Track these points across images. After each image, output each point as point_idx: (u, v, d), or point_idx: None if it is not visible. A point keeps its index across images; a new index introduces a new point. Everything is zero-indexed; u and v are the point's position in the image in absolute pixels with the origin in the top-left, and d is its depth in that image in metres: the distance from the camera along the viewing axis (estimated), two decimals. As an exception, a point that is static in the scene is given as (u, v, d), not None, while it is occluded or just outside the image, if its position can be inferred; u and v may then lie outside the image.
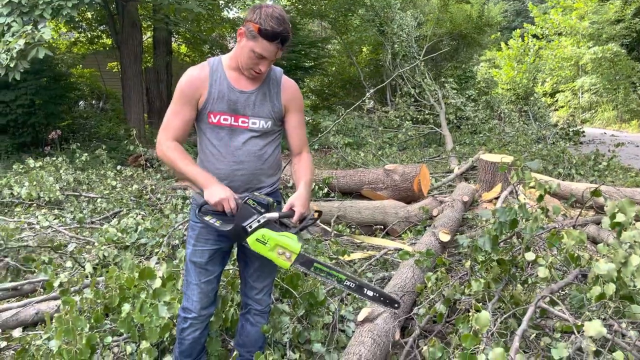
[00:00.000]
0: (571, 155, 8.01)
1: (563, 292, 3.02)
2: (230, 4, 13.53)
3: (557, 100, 24.17)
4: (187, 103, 2.13)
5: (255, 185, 2.23)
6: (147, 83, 13.86)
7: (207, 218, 2.12)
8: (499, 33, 22.70)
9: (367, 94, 11.27)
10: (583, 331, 1.71)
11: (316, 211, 2.25)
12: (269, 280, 2.45)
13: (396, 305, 2.27)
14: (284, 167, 5.13)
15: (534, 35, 24.70)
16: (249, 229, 2.03)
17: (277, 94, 2.24)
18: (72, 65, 14.94)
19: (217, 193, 2.04)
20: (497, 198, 5.56)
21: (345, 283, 2.17)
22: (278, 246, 2.03)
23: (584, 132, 11.11)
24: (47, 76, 11.81)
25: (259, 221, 2.03)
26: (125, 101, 12.52)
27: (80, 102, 15.18)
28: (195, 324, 2.32)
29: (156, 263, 3.39)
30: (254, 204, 2.05)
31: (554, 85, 24.48)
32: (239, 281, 2.55)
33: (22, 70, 7.53)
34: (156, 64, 14.14)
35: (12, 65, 7.35)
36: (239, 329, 2.54)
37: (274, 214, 2.05)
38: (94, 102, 16.01)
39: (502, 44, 25.10)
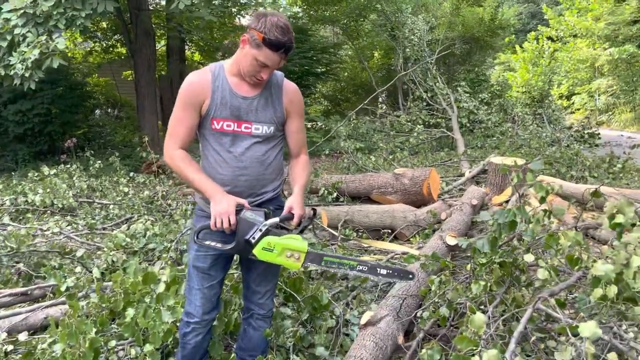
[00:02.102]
0: (585, 157, 7.91)
1: (572, 297, 2.98)
2: (242, 12, 13.64)
3: (573, 103, 23.88)
4: (190, 109, 2.14)
5: (258, 190, 2.24)
6: (161, 91, 14.02)
7: (207, 242, 2.13)
8: (513, 36, 22.49)
9: (380, 99, 11.26)
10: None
11: (312, 209, 2.26)
12: (271, 284, 2.46)
13: (411, 276, 2.23)
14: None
15: (549, 38, 24.47)
16: (253, 240, 2.03)
17: (279, 98, 2.25)
18: (88, 74, 15.18)
19: (222, 205, 2.04)
20: (507, 201, 5.51)
21: (358, 268, 2.17)
22: (286, 250, 2.04)
23: (599, 134, 10.93)
24: (63, 85, 12.02)
25: (261, 230, 2.03)
26: (140, 109, 12.66)
27: (96, 111, 15.40)
28: (198, 329, 2.33)
29: (161, 268, 3.42)
30: (252, 216, 2.06)
31: (570, 88, 24.19)
32: (242, 285, 2.56)
33: (36, 80, 7.67)
34: (170, 72, 14.30)
35: (27, 75, 7.50)
36: (241, 333, 2.54)
37: (275, 220, 2.06)
38: (109, 110, 16.23)
39: (517, 47, 24.90)
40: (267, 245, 2.02)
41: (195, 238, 2.15)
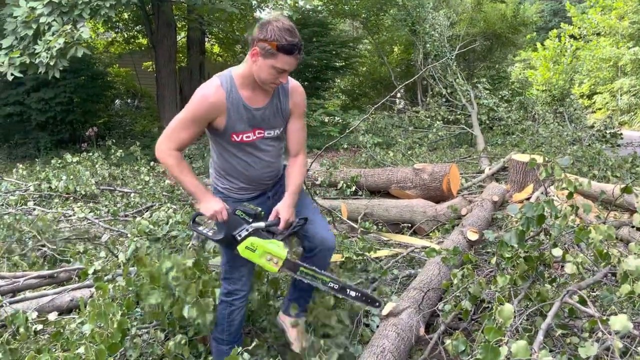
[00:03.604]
0: (607, 157, 7.81)
1: (594, 294, 2.96)
2: (262, 4, 13.68)
3: (594, 102, 23.54)
4: (199, 123, 2.24)
5: (277, 176, 2.48)
6: (180, 82, 14.12)
7: (200, 228, 2.31)
8: (534, 33, 22.25)
9: (398, 94, 11.22)
10: (609, 327, 1.69)
11: (302, 218, 2.34)
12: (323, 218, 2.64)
13: (377, 304, 2.37)
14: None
15: (572, 36, 24.11)
16: (239, 238, 2.20)
17: (286, 101, 2.38)
18: (109, 64, 15.36)
19: (211, 206, 2.22)
20: (528, 199, 5.47)
21: (329, 285, 2.31)
22: (266, 253, 2.19)
23: (621, 134, 10.77)
24: (85, 75, 12.19)
25: (247, 230, 2.20)
26: (160, 100, 12.79)
27: (116, 101, 15.58)
28: (242, 304, 2.47)
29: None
30: (242, 215, 2.22)
31: (592, 87, 23.84)
32: None
33: (61, 69, 7.79)
34: (190, 63, 14.39)
35: (52, 63, 7.61)
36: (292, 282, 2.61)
37: (261, 224, 2.22)
38: (129, 100, 16.41)
39: (538, 45, 24.60)
40: (250, 245, 2.19)
41: (192, 223, 2.34)
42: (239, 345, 2.35)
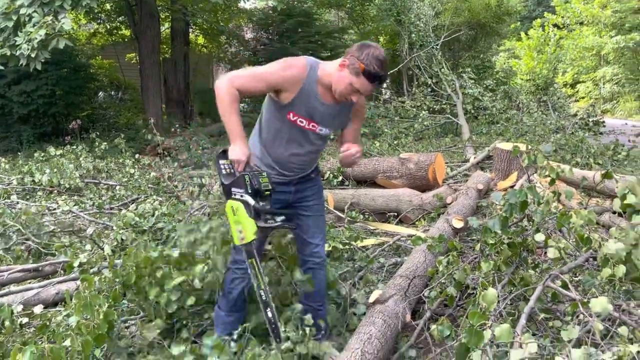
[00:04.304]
0: (590, 145, 7.91)
1: (577, 279, 3.02)
2: (247, -5, 13.63)
3: (577, 91, 23.79)
4: (269, 85, 2.29)
5: (304, 171, 2.53)
6: (164, 74, 13.97)
7: (221, 161, 2.36)
8: (519, 23, 22.34)
9: (384, 85, 11.20)
10: (590, 310, 1.72)
11: (287, 220, 2.39)
12: (322, 234, 2.70)
13: (278, 340, 2.37)
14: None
15: (555, 25, 24.29)
16: (233, 196, 2.28)
17: (350, 110, 2.48)
18: (92, 56, 15.15)
19: (237, 152, 2.27)
20: (512, 187, 5.53)
21: (259, 291, 2.34)
22: (240, 224, 2.24)
23: (604, 122, 10.92)
24: (68, 67, 12.02)
25: (241, 195, 2.26)
26: (144, 92, 12.65)
27: (100, 93, 15.38)
28: (244, 275, 2.47)
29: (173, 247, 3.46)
30: (246, 181, 2.26)
31: (575, 76, 24.08)
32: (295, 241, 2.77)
33: (42, 61, 7.65)
34: (174, 54, 14.24)
35: (33, 55, 7.48)
36: (300, 287, 2.69)
37: (251, 201, 2.25)
38: (112, 92, 16.21)
39: (522, 34, 24.74)
40: (235, 208, 2.25)
41: (221, 152, 2.38)
42: (240, 318, 2.50)
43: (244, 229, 2.24)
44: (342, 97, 2.30)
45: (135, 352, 2.51)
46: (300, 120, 2.34)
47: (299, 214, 2.57)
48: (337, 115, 2.43)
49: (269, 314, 2.39)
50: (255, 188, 2.25)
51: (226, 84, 2.25)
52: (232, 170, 2.33)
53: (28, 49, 7.40)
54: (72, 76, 12.10)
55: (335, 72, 2.27)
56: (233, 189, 2.29)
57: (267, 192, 2.29)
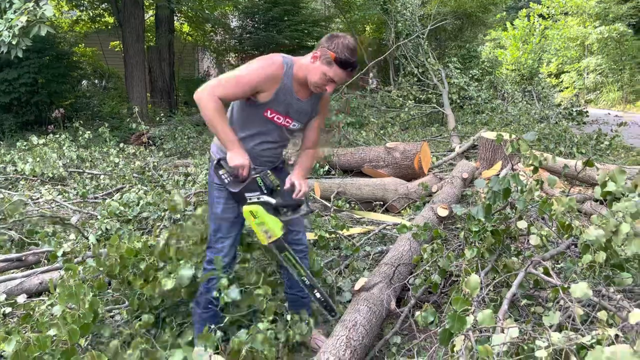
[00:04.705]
0: (573, 134, 8.01)
1: (559, 266, 3.06)
2: (232, -18, 13.47)
3: (562, 81, 23.98)
4: (253, 88, 2.30)
5: (273, 163, 2.57)
6: (149, 62, 13.81)
7: (221, 172, 2.37)
8: (504, 12, 22.38)
9: (371, 74, 11.20)
10: (570, 295, 1.75)
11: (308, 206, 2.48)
12: (303, 221, 2.76)
13: (334, 314, 2.49)
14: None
15: (540, 15, 24.38)
16: (249, 200, 2.32)
17: (317, 103, 2.53)
18: (74, 44, 14.88)
19: (237, 158, 2.30)
20: (497, 175, 5.58)
21: (302, 278, 2.43)
22: (264, 224, 2.30)
23: (587, 112, 11.04)
24: (50, 55, 11.79)
25: (258, 198, 2.31)
26: (128, 80, 12.50)
27: (83, 81, 15.15)
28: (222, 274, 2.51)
29: (157, 236, 3.44)
30: (260, 183, 2.32)
31: (559, 66, 24.27)
32: None
33: (24, 48, 7.51)
34: (158, 43, 14.06)
35: (14, 42, 7.34)
36: (285, 274, 2.73)
37: (272, 200, 2.32)
38: (96, 81, 15.98)
39: (508, 24, 24.81)
40: (254, 212, 2.29)
41: (216, 164, 2.39)
42: (217, 314, 2.52)
43: (270, 228, 2.30)
44: (317, 88, 2.34)
45: (121, 342, 2.50)
46: (277, 117, 2.39)
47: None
48: (308, 110, 2.49)
49: (318, 295, 2.49)
50: (269, 187, 2.32)
51: (207, 95, 2.24)
52: (237, 177, 2.33)
53: (9, 36, 7.26)
54: (54, 64, 11.89)
55: (308, 65, 2.31)
56: (246, 194, 2.32)
57: (278, 187, 2.37)
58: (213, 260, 2.51)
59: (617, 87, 20.39)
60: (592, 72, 21.85)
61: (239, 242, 2.61)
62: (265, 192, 2.32)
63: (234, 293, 2.40)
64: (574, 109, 10.91)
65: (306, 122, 2.54)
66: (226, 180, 2.36)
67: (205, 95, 2.24)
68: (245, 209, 2.31)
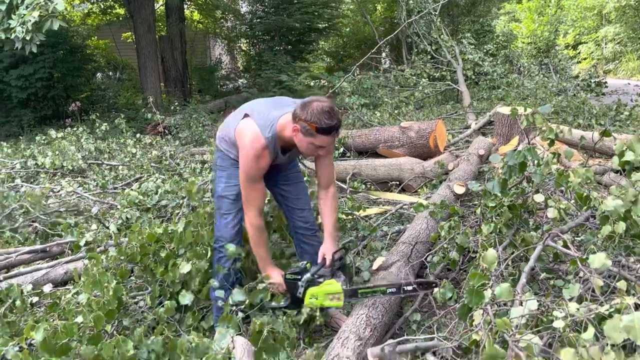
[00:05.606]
0: (592, 106, 7.86)
1: (579, 239, 3.04)
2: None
3: (579, 52, 23.46)
4: (262, 177, 2.49)
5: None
6: (161, 52, 13.85)
7: (273, 304, 2.56)
8: (518, -16, 21.96)
9: (384, 53, 11.06)
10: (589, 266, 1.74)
11: (343, 248, 2.68)
12: (306, 197, 2.85)
13: (434, 284, 2.47)
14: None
15: (555, -15, 23.82)
16: (301, 296, 2.46)
17: None
18: (87, 37, 14.99)
19: (272, 279, 2.54)
20: (514, 151, 5.52)
21: (388, 292, 2.45)
22: (327, 295, 2.41)
23: (606, 82, 10.81)
24: (64, 49, 11.91)
25: (302, 286, 2.46)
26: (141, 71, 12.58)
27: (98, 74, 15.28)
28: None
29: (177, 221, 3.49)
30: (292, 278, 2.50)
31: (577, 37, 23.71)
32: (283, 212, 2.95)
33: (38, 43, 7.60)
34: (170, 32, 14.09)
35: (28, 38, 7.42)
36: (299, 252, 2.90)
37: (309, 276, 2.47)
38: (110, 73, 16.09)
39: (522, -4, 24.29)
40: (312, 296, 2.42)
41: (267, 303, 2.58)
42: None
43: (331, 293, 2.40)
44: (311, 154, 2.45)
45: (145, 328, 2.56)
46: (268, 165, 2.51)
47: (280, 185, 2.78)
48: (293, 156, 2.63)
49: (408, 287, 2.51)
50: (299, 271, 2.49)
51: (254, 222, 2.48)
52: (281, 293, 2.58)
53: (23, 32, 7.33)
54: (68, 58, 12.01)
55: (293, 135, 2.34)
56: (296, 294, 2.47)
57: (308, 264, 2.52)
58: (218, 239, 2.64)
59: (636, 56, 19.87)
60: (611, 42, 21.31)
61: (242, 220, 2.66)
62: (300, 278, 2.47)
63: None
64: (592, 80, 10.70)
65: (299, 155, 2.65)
66: (281, 305, 2.56)
67: (252, 224, 2.49)
68: (306, 302, 2.43)
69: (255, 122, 2.41)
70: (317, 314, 2.41)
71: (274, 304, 2.59)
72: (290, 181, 2.80)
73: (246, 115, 2.48)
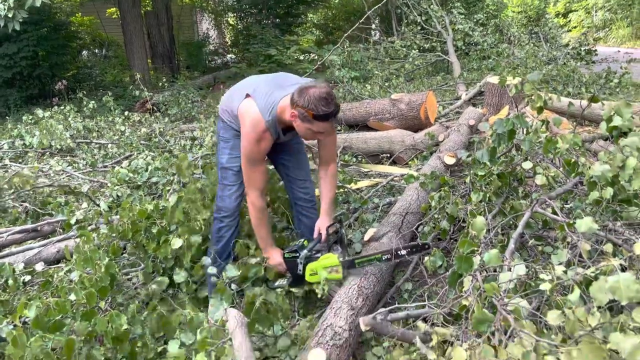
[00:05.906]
0: (581, 74, 7.85)
1: (568, 207, 3.07)
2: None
3: (570, 21, 23.32)
4: (263, 159, 2.52)
5: None
6: (148, 27, 13.61)
7: (276, 284, 2.65)
8: (509, -48, 21.64)
9: (373, 25, 10.93)
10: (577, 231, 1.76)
11: (337, 222, 2.66)
12: (306, 168, 2.88)
13: (427, 246, 2.47)
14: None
15: (546, -48, 23.52)
16: (301, 273, 2.50)
17: None
18: (71, 13, 14.71)
19: (274, 259, 2.61)
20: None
21: (384, 258, 2.45)
22: (325, 269, 2.42)
23: (596, 50, 10.77)
24: (47, 26, 11.69)
25: (301, 263, 2.50)
26: (128, 47, 12.39)
27: (83, 52, 15.04)
28: (231, 222, 2.69)
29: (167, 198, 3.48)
30: (290, 256, 2.54)
31: (567, 5, 23.55)
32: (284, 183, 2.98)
33: (20, 20, 7.46)
34: (155, 7, 13.84)
35: (10, 15, 7.28)
36: (297, 224, 2.93)
37: (306, 252, 2.51)
38: (96, 50, 15.84)
39: (512, -36, 24.00)
40: (311, 272, 2.46)
41: (270, 284, 2.67)
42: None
43: (330, 265, 2.41)
44: (311, 139, 2.48)
45: (139, 305, 2.57)
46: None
47: (281, 155, 2.80)
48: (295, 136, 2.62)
49: (404, 252, 2.51)
50: (296, 248, 2.53)
51: (256, 203, 2.52)
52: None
53: (4, 9, 7.19)
54: (52, 35, 11.79)
55: (292, 120, 2.34)
56: (297, 272, 2.51)
57: (304, 241, 2.58)
58: (220, 208, 2.66)
59: (626, 23, 19.79)
60: (601, 9, 21.19)
61: (244, 193, 2.68)
62: (298, 255, 2.51)
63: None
64: (582, 49, 10.66)
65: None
66: (284, 283, 2.63)
67: (250, 207, 2.54)
68: (307, 278, 2.47)
69: (257, 104, 2.40)
70: (325, 287, 2.43)
71: (277, 283, 2.65)
72: (293, 152, 2.82)
73: (248, 96, 2.46)
